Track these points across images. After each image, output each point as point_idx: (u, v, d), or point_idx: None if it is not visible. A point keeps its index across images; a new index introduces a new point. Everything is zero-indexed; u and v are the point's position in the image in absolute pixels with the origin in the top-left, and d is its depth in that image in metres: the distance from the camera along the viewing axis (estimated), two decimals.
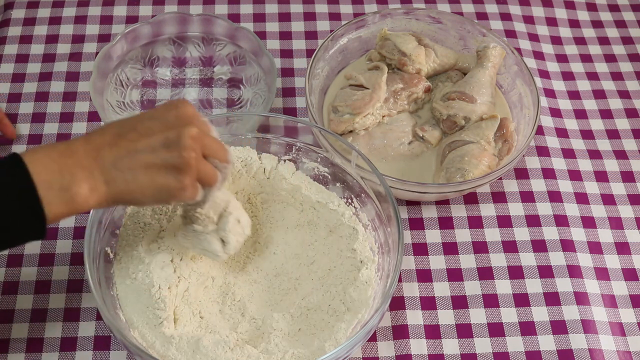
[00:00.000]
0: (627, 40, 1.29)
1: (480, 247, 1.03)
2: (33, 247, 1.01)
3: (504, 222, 1.06)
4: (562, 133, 1.16)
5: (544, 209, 1.07)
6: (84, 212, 0.74)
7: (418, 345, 0.94)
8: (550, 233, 1.05)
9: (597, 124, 1.17)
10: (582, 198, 1.09)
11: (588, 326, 0.96)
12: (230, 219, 0.85)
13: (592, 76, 1.23)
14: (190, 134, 0.75)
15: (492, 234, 1.04)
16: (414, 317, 0.97)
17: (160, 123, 0.76)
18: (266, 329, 0.90)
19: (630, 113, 1.19)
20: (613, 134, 1.16)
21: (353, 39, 1.17)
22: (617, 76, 1.23)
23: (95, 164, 0.73)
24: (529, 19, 1.30)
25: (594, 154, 1.14)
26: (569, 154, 1.13)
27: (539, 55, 1.25)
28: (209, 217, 0.84)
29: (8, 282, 0.98)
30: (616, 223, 1.07)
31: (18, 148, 1.10)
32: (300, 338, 0.90)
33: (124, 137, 0.75)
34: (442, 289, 0.99)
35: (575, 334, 0.96)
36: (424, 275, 1.01)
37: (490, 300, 0.98)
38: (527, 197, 1.08)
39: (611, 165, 1.12)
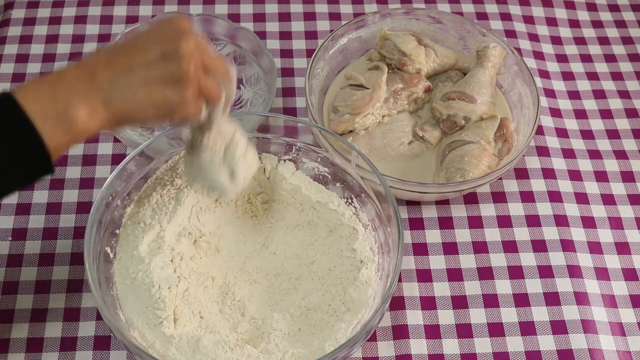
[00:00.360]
0: (627, 40, 1.29)
1: (480, 247, 1.03)
2: (33, 247, 1.01)
3: (504, 222, 1.06)
4: (562, 133, 1.16)
5: (544, 209, 1.07)
6: (87, 137, 0.71)
7: (418, 345, 0.94)
8: (550, 233, 1.05)
9: (597, 124, 1.17)
10: (582, 198, 1.09)
11: (588, 326, 0.96)
12: (237, 150, 0.82)
13: (592, 76, 1.23)
14: (188, 45, 0.72)
15: (492, 234, 1.04)
16: (414, 317, 0.97)
17: (156, 36, 0.73)
18: (266, 329, 0.90)
19: (630, 113, 1.19)
20: (613, 134, 1.16)
21: (353, 39, 1.17)
22: (617, 76, 1.23)
23: (91, 87, 0.70)
24: (529, 19, 1.30)
25: (594, 154, 1.14)
26: (569, 154, 1.13)
27: (539, 55, 1.25)
28: (216, 146, 0.80)
29: (8, 282, 0.98)
30: (616, 223, 1.07)
31: None
32: (300, 338, 0.90)
33: (120, 54, 0.72)
34: (442, 289, 0.99)
35: (575, 334, 0.96)
36: (424, 275, 1.01)
37: (490, 300, 0.98)
38: (527, 197, 1.08)
39: (611, 165, 1.12)
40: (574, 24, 1.31)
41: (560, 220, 1.06)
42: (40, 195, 1.06)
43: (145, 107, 0.72)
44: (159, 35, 0.73)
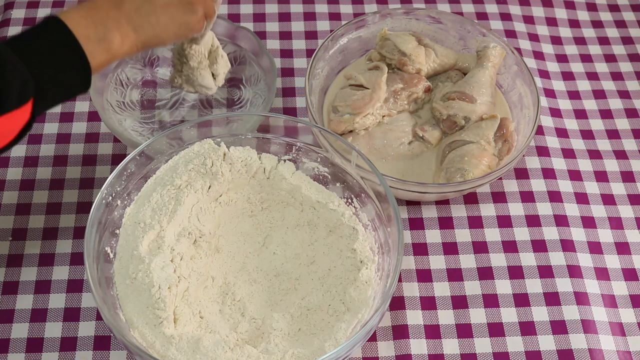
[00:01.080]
0: (627, 40, 1.29)
1: (480, 247, 1.03)
2: (33, 247, 1.01)
3: (504, 222, 1.06)
4: (562, 133, 1.16)
5: (544, 209, 1.07)
6: (119, 59, 0.84)
7: (418, 345, 0.94)
8: (550, 233, 1.05)
9: (597, 124, 1.17)
10: (582, 198, 1.09)
11: (588, 326, 0.96)
12: (218, 52, 0.97)
13: (592, 76, 1.23)
14: None
15: (492, 234, 1.04)
16: (414, 317, 0.97)
17: None
18: (266, 329, 0.90)
19: (630, 113, 1.19)
20: (613, 134, 1.16)
21: (353, 39, 1.17)
22: (617, 76, 1.23)
23: (121, 15, 0.82)
24: (529, 19, 1.30)
25: (594, 154, 1.14)
26: (569, 154, 1.13)
27: (539, 55, 1.25)
28: (202, 54, 0.94)
29: (8, 282, 0.98)
30: (616, 223, 1.07)
31: (18, 148, 1.10)
32: (300, 338, 0.90)
33: None
34: (442, 289, 0.99)
35: (575, 334, 0.96)
36: (424, 275, 1.01)
37: (490, 300, 0.98)
38: (527, 197, 1.08)
39: (611, 165, 1.12)
40: (574, 24, 1.31)
41: (560, 220, 1.06)
42: (40, 195, 1.06)
43: (169, 29, 0.85)
44: None
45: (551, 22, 1.31)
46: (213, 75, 0.99)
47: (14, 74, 0.73)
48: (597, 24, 1.31)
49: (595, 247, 1.04)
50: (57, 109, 1.14)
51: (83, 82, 0.80)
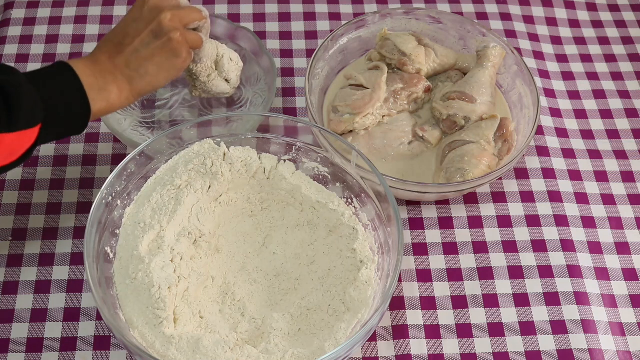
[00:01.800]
0: (627, 40, 1.29)
1: (480, 247, 1.03)
2: (33, 247, 1.01)
3: (504, 222, 1.06)
4: (562, 133, 1.16)
5: (544, 209, 1.07)
6: (116, 110, 0.90)
7: (418, 345, 0.94)
8: (550, 233, 1.05)
9: (597, 124, 1.17)
10: (582, 198, 1.09)
11: (588, 326, 0.96)
12: (224, 61, 1.01)
13: (592, 76, 1.23)
14: (167, 19, 0.91)
15: (492, 234, 1.04)
16: (414, 317, 0.97)
17: (141, 22, 0.91)
18: (266, 329, 0.90)
19: (630, 113, 1.19)
20: (613, 134, 1.16)
21: (353, 39, 1.17)
22: (617, 76, 1.23)
23: (116, 69, 0.89)
24: (529, 19, 1.30)
25: (594, 154, 1.14)
26: (569, 154, 1.13)
27: (539, 55, 1.25)
28: (209, 67, 1.00)
29: (8, 282, 0.98)
30: (616, 223, 1.07)
31: None
32: (300, 338, 0.90)
33: (122, 43, 0.90)
34: (442, 289, 0.99)
35: (575, 334, 0.96)
36: (424, 275, 1.01)
37: (490, 300, 0.98)
38: (527, 197, 1.08)
39: (611, 165, 1.12)
40: (574, 24, 1.31)
41: (560, 220, 1.06)
42: (40, 195, 1.06)
43: (158, 76, 0.92)
44: (143, 19, 0.91)
45: (551, 22, 1.31)
46: (226, 79, 1.03)
47: (28, 96, 0.80)
48: (597, 24, 1.31)
49: (595, 247, 1.04)
50: None
51: (81, 125, 0.87)
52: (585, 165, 1.12)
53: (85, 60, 0.89)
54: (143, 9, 0.92)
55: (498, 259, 1.02)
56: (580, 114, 1.18)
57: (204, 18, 0.95)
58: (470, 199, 1.08)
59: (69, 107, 0.85)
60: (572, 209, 1.07)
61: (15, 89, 0.79)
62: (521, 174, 1.10)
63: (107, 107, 0.89)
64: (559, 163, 1.12)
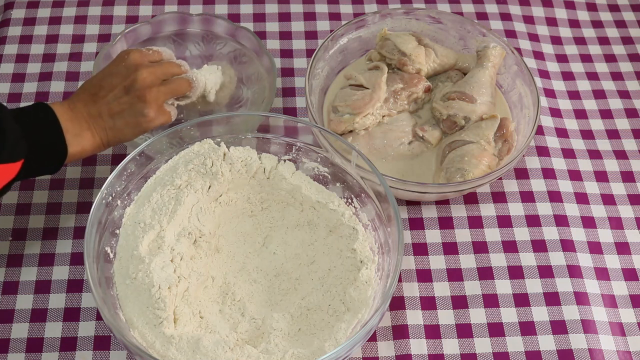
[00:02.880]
0: (627, 40, 1.29)
1: (480, 247, 1.03)
2: (33, 247, 1.01)
3: (504, 222, 1.06)
4: (562, 133, 1.16)
5: (544, 209, 1.07)
6: (87, 155, 0.93)
7: (418, 345, 0.94)
8: (550, 233, 1.05)
9: (597, 124, 1.17)
10: (582, 198, 1.09)
11: (588, 326, 0.96)
12: (211, 95, 1.08)
13: (592, 76, 1.23)
14: (141, 77, 0.96)
15: (492, 234, 1.05)
16: (414, 317, 0.97)
17: (118, 76, 0.96)
18: (266, 329, 0.90)
19: (630, 113, 1.19)
20: (613, 134, 1.16)
21: (353, 39, 1.17)
22: (617, 76, 1.23)
23: (89, 117, 0.93)
24: (529, 19, 1.30)
25: (594, 154, 1.14)
26: (569, 154, 1.13)
27: (539, 55, 1.25)
28: (193, 101, 1.06)
29: (8, 282, 0.98)
30: (616, 223, 1.07)
31: None
32: (300, 338, 0.90)
33: (97, 95, 0.95)
34: (442, 289, 0.99)
35: (575, 334, 0.96)
36: (424, 275, 1.01)
37: (490, 300, 0.98)
38: (527, 197, 1.08)
39: (611, 165, 1.12)
40: (574, 24, 1.31)
41: (560, 220, 1.06)
42: (40, 195, 1.06)
43: (125, 130, 0.96)
44: (119, 74, 0.96)
45: (551, 22, 1.31)
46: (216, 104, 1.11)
47: (12, 131, 0.84)
48: (597, 24, 1.31)
49: (595, 247, 1.04)
50: None
51: (58, 165, 0.91)
52: (585, 165, 1.12)
53: (63, 105, 0.92)
54: (120, 64, 0.97)
55: (498, 259, 1.02)
56: (580, 114, 1.18)
57: (182, 68, 1.02)
58: (470, 199, 1.08)
59: (49, 146, 0.88)
60: (572, 209, 1.07)
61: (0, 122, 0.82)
62: (521, 174, 1.10)
63: (81, 152, 0.92)
64: (559, 163, 1.12)
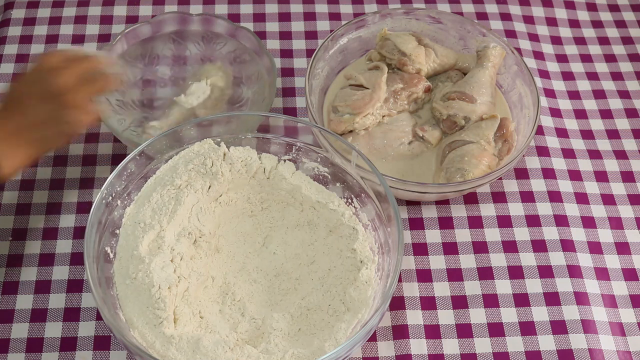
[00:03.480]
0: (627, 40, 1.29)
1: (480, 247, 1.03)
2: (33, 247, 1.01)
3: (504, 222, 1.06)
4: (562, 133, 1.16)
5: (544, 209, 1.07)
6: (5, 181, 0.87)
7: (418, 345, 0.94)
8: (550, 233, 1.05)
9: (597, 124, 1.17)
10: (582, 198, 1.09)
11: (588, 326, 0.96)
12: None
13: (592, 76, 1.23)
14: (58, 81, 0.87)
15: (492, 234, 1.05)
16: (414, 317, 0.97)
17: (32, 84, 0.88)
18: (266, 329, 0.90)
19: (630, 113, 1.19)
20: (613, 134, 1.16)
21: (353, 39, 1.17)
22: (617, 76, 1.23)
23: (9, 134, 0.86)
24: (529, 19, 1.30)
25: (594, 154, 1.14)
26: (569, 154, 1.13)
27: (539, 55, 1.25)
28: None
29: (8, 282, 0.98)
30: (616, 223, 1.07)
31: None
32: (300, 338, 0.90)
33: (13, 109, 0.87)
34: (442, 289, 0.99)
35: (575, 334, 0.96)
36: (424, 275, 1.01)
37: (490, 300, 0.98)
38: (527, 197, 1.08)
39: (611, 165, 1.12)
40: (574, 24, 1.31)
41: (560, 220, 1.06)
42: (40, 195, 1.06)
43: (55, 140, 0.89)
44: (32, 80, 0.88)
45: (551, 22, 1.31)
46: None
47: None
48: (597, 24, 1.31)
49: (595, 247, 1.04)
50: None
51: None
52: (585, 165, 1.12)
53: None
54: (34, 71, 0.89)
55: (498, 259, 1.02)
56: (580, 114, 1.18)
57: (104, 62, 0.93)
58: (470, 199, 1.08)
59: None
60: (572, 209, 1.07)
61: None
62: (521, 174, 1.10)
63: (15, 172, 0.87)
64: (559, 163, 1.12)
